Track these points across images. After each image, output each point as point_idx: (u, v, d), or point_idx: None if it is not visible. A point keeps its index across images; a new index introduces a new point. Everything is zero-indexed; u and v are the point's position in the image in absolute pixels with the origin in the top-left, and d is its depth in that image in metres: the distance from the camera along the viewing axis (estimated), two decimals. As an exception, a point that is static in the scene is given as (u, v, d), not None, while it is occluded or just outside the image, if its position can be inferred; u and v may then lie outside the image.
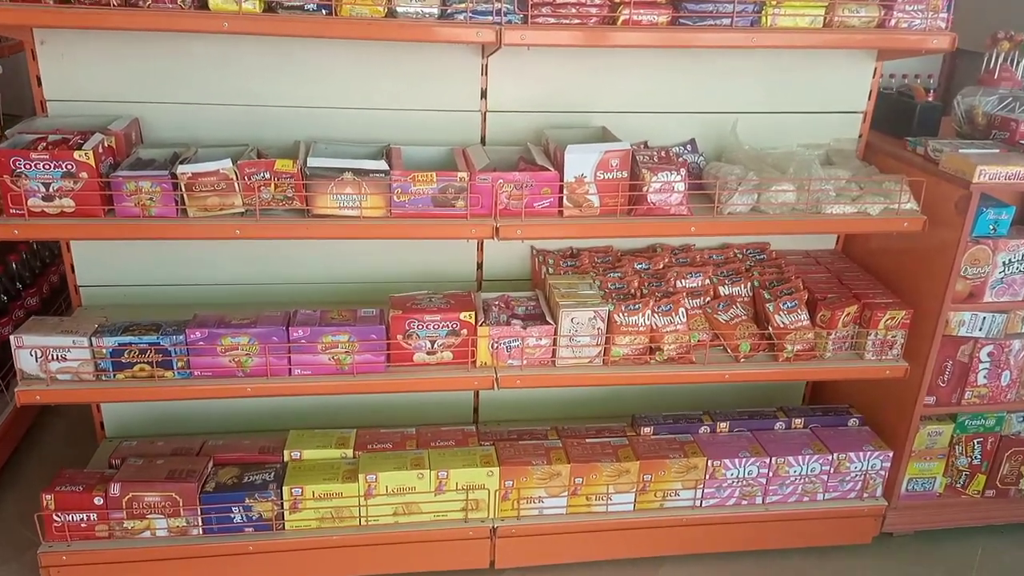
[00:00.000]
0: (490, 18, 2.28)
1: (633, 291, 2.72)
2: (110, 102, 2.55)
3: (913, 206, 2.59)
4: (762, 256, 3.02)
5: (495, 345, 2.53)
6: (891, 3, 2.41)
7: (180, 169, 2.26)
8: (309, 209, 2.34)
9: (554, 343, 2.56)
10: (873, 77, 2.86)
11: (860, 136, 2.94)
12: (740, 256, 3.00)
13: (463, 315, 2.50)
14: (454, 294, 2.62)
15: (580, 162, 2.43)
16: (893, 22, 2.43)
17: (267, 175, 2.30)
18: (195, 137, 2.63)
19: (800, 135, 2.90)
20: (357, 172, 2.34)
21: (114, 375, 2.39)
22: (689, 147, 2.85)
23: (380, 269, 2.87)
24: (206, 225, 2.29)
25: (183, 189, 2.27)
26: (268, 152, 2.53)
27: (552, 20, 2.31)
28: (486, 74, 2.69)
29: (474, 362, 2.54)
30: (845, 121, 2.92)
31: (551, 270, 2.83)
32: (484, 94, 2.72)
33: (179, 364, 2.40)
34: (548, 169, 2.44)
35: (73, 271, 2.74)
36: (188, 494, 2.47)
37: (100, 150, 2.26)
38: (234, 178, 2.29)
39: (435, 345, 2.51)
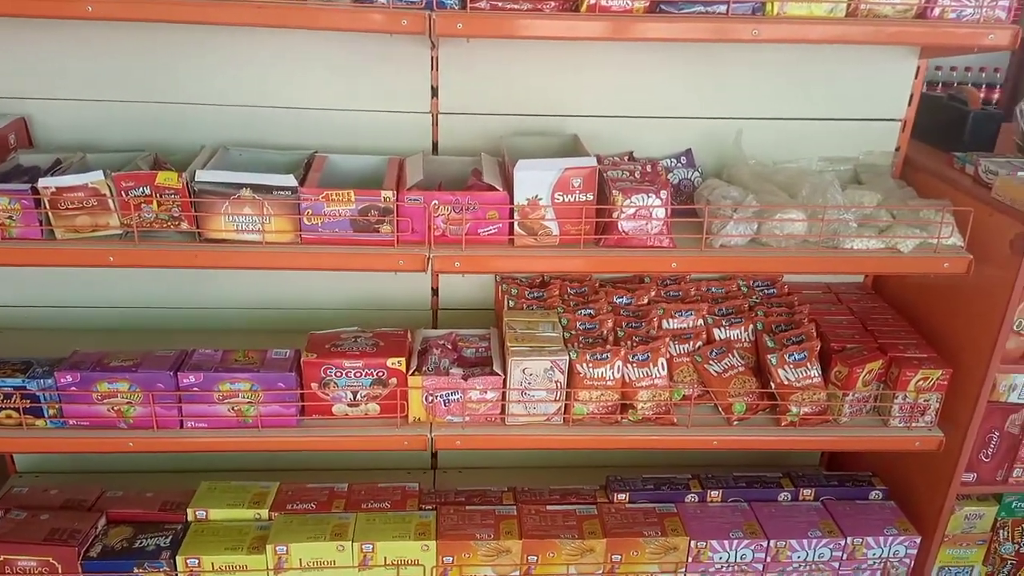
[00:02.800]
0: (419, 1, 1.83)
1: (606, 334, 2.26)
2: (-4, 97, 2.19)
3: (957, 241, 2.06)
4: (772, 290, 2.52)
5: (430, 398, 2.10)
6: (935, -14, 1.89)
7: (43, 183, 1.87)
8: (200, 232, 1.94)
9: (503, 397, 2.12)
10: (915, 78, 2.32)
11: (897, 149, 2.41)
12: (745, 289, 2.51)
13: (391, 362, 2.07)
14: (387, 333, 2.19)
15: (533, 181, 1.97)
16: (937, 11, 1.90)
17: (147, 191, 1.90)
18: (95, 139, 2.25)
19: (822, 146, 2.39)
20: (258, 188, 1.92)
21: (-22, 421, 2.03)
22: (684, 160, 2.36)
23: (315, 293, 2.46)
24: (72, 250, 1.90)
25: (47, 206, 1.89)
26: (172, 159, 2.14)
27: (499, 4, 1.85)
28: (436, 68, 2.25)
29: (404, 418, 2.12)
30: (879, 130, 2.39)
31: (513, 302, 2.38)
32: (435, 92, 2.28)
33: (50, 412, 2.03)
34: (496, 188, 1.99)
35: (-33, 289, 2.40)
36: (67, 560, 2.10)
37: (-48, 157, 1.89)
38: (108, 194, 1.90)
39: (358, 396, 2.10)
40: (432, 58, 2.23)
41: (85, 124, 2.23)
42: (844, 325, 2.35)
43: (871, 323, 2.36)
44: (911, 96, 2.34)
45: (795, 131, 2.38)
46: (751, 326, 2.34)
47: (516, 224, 2.01)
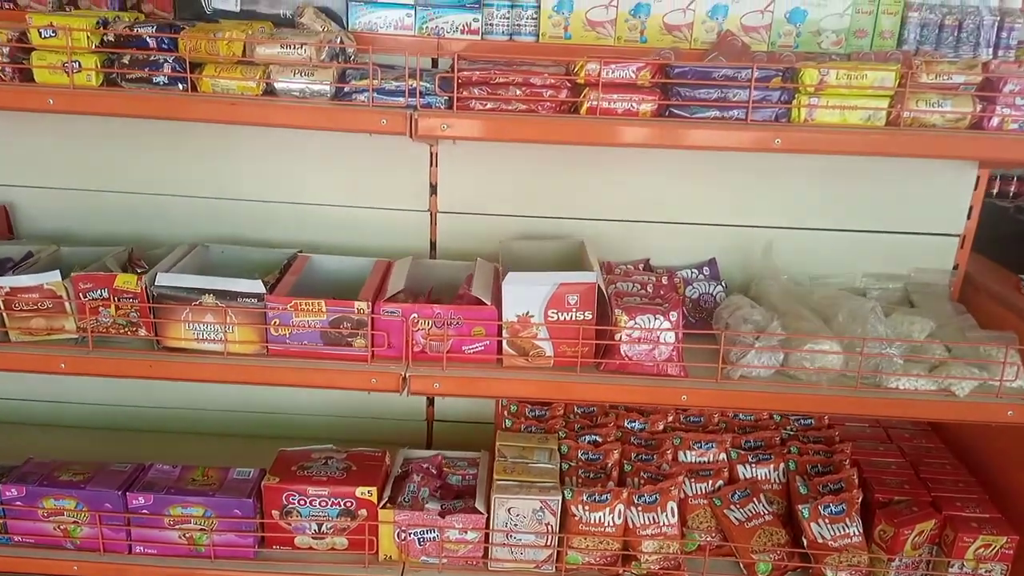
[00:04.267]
0: (402, 100, 1.67)
1: (611, 467, 1.99)
2: (-23, 184, 2.12)
3: (1023, 385, 1.75)
4: (809, 421, 2.21)
5: (404, 535, 1.86)
6: (992, 95, 1.62)
7: (-4, 281, 1.75)
8: (158, 340, 1.78)
9: (486, 539, 1.86)
10: (975, 189, 2.04)
11: (955, 267, 2.11)
12: (778, 419, 2.21)
13: (360, 491, 1.85)
14: (363, 455, 1.97)
15: (524, 295, 1.76)
16: (995, 121, 1.63)
17: (105, 293, 1.76)
18: (79, 228, 2.16)
19: (868, 262, 2.12)
20: (222, 295, 1.76)
21: (-80, 531, 1.89)
22: (707, 271, 2.12)
23: (294, 398, 2.28)
24: (23, 355, 1.76)
25: (2, 307, 1.76)
26: (153, 253, 2.01)
27: (489, 105, 1.67)
28: (435, 165, 2.08)
29: (374, 555, 1.88)
30: (934, 245, 2.11)
31: (511, 421, 2.14)
32: (434, 190, 2.11)
33: (-6, 525, 1.87)
34: (483, 302, 1.78)
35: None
36: None
37: (-87, 250, 1.79)
38: (64, 296, 1.76)
39: (323, 528, 1.87)
40: (432, 154, 2.08)
41: (69, 213, 2.14)
42: (893, 470, 2.02)
43: (925, 470, 2.03)
44: (970, 208, 2.06)
45: (836, 243, 2.11)
46: (782, 465, 2.03)
47: (505, 343, 1.79)
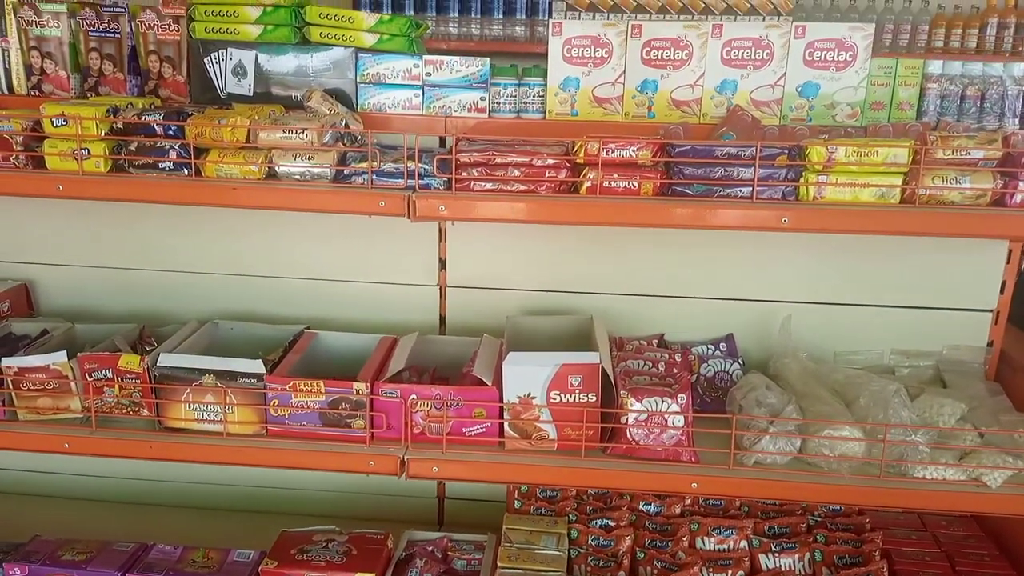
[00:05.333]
0: (401, 181, 1.67)
1: (622, 554, 1.90)
2: (1, 262, 2.17)
3: (1066, 476, 1.62)
4: (838, 507, 2.08)
5: (403, 623, 1.80)
6: (1015, 170, 1.54)
7: (6, 362, 1.78)
8: (160, 420, 1.78)
9: (489, 629, 1.79)
10: (1007, 263, 1.94)
11: (990, 344, 2.00)
12: (804, 503, 2.09)
13: (359, 577, 1.80)
14: (365, 537, 1.92)
15: (525, 377, 1.71)
16: (1019, 198, 1.55)
17: (109, 373, 1.77)
18: (95, 305, 2.19)
19: (896, 338, 2.02)
20: (222, 375, 1.75)
21: (-75, 608, 1.90)
22: (723, 347, 2.04)
23: (298, 473, 2.24)
24: (28, 435, 1.78)
25: (10, 386, 1.79)
26: (165, 330, 2.03)
27: (488, 186, 1.66)
28: (444, 240, 2.07)
29: (374, 643, 1.82)
30: (966, 320, 2.00)
31: (520, 502, 2.07)
32: (443, 264, 2.09)
33: (-3, 605, 1.87)
34: (484, 382, 1.74)
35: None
36: None
37: (-68, 329, 1.84)
38: (70, 376, 1.78)
39: (322, 613, 1.82)
40: (440, 229, 2.07)
41: (86, 290, 2.18)
42: (926, 562, 1.89)
43: (962, 562, 1.89)
44: (1003, 283, 1.95)
45: (860, 319, 2.02)
46: (807, 555, 1.91)
47: (507, 425, 1.74)
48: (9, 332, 2.01)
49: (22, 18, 2.00)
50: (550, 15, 4.73)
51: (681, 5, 5.00)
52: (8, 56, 2.03)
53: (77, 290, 2.19)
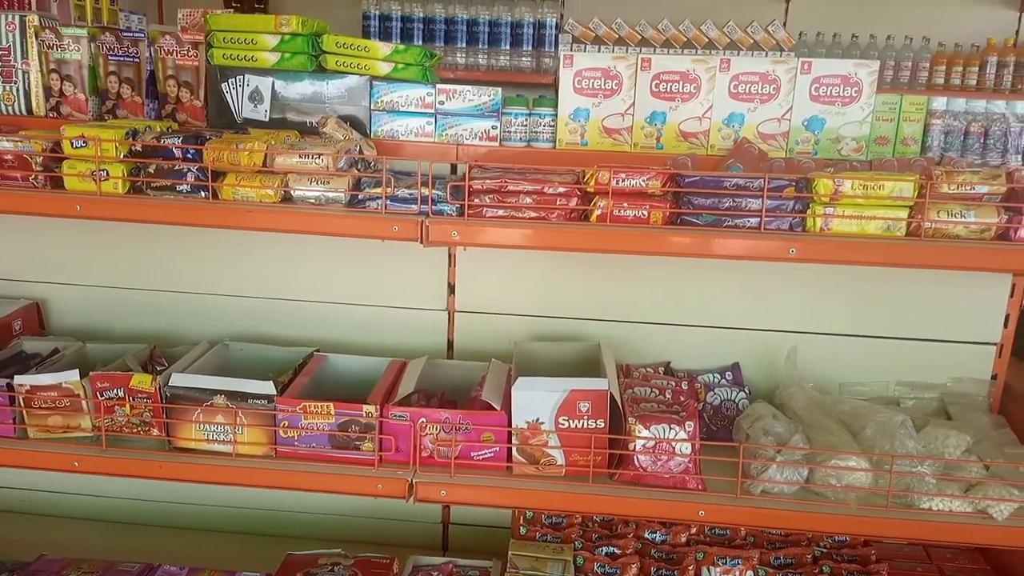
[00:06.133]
0: (414, 207, 1.69)
1: (627, 582, 1.90)
2: (13, 281, 2.19)
3: (1072, 509, 1.62)
4: (843, 538, 2.08)
5: (408, 648, 1.80)
6: (1020, 205, 1.57)
7: (18, 380, 1.79)
8: (170, 440, 1.79)
9: (493, 655, 1.78)
10: (1011, 296, 1.96)
11: (994, 377, 2.01)
12: (810, 534, 2.09)
13: (364, 602, 1.80)
14: (371, 561, 1.92)
15: (534, 402, 1.72)
16: (1023, 232, 1.57)
17: (121, 393, 1.78)
18: (107, 324, 2.21)
19: (901, 370, 2.03)
20: (232, 396, 1.76)
21: (-72, 627, 1.89)
22: (729, 376, 2.06)
23: (302, 496, 2.24)
24: (38, 453, 1.78)
25: (21, 404, 1.80)
26: (175, 351, 2.04)
27: (499, 212, 1.68)
28: (454, 265, 2.09)
29: (378, 669, 1.81)
30: (970, 353, 2.02)
31: (525, 528, 2.07)
32: (452, 289, 2.11)
33: (-1, 624, 1.86)
34: (493, 407, 1.75)
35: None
36: None
37: (-56, 346, 1.86)
38: (82, 395, 1.79)
39: (325, 638, 1.82)
40: (450, 255, 2.09)
41: (97, 310, 2.19)
42: (932, 594, 1.89)
43: (967, 594, 1.89)
44: (1007, 317, 1.97)
45: (865, 350, 2.03)
46: (812, 584, 1.91)
47: (515, 450, 1.75)
48: (20, 350, 2.03)
49: (43, 41, 2.04)
50: (556, 48, 4.83)
51: (685, 40, 5.07)
52: (28, 78, 2.07)
53: (88, 310, 2.20)
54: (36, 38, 2.04)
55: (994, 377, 2.01)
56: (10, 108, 2.08)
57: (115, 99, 2.07)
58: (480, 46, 4.94)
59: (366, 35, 4.88)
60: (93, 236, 2.16)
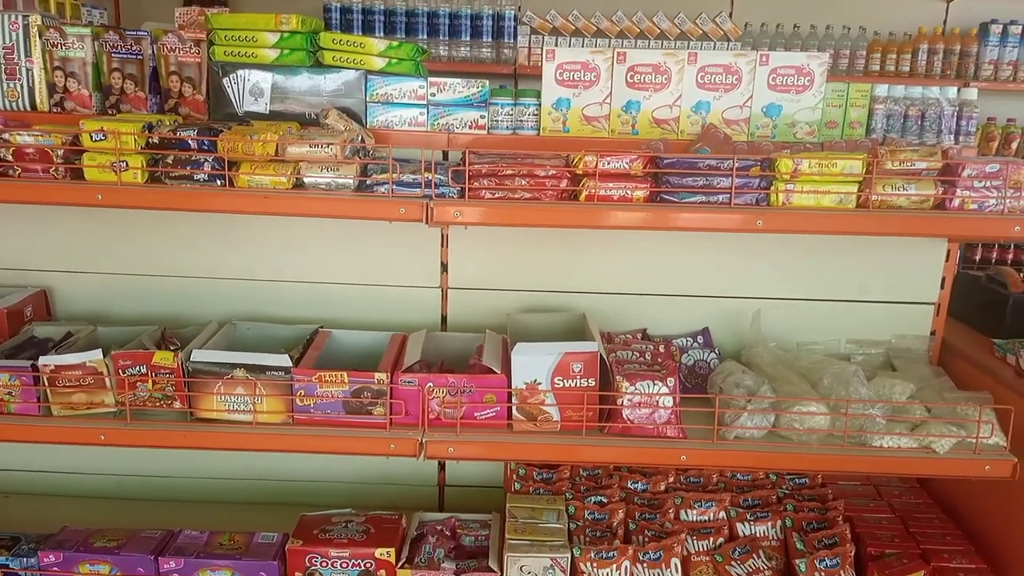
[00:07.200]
0: (418, 191, 1.85)
1: (616, 525, 2.10)
2: (19, 270, 2.28)
3: (999, 441, 1.88)
4: (803, 480, 2.32)
5: (421, 594, 1.96)
6: (953, 177, 1.81)
7: (43, 360, 1.90)
8: (192, 412, 1.91)
9: (499, 596, 1.96)
10: (946, 260, 2.21)
11: (932, 333, 2.27)
12: (774, 478, 2.32)
13: (379, 552, 1.96)
14: (381, 517, 2.08)
15: (531, 365, 1.90)
16: (956, 202, 1.81)
17: (143, 369, 1.90)
18: (113, 310, 2.30)
19: (851, 329, 2.27)
20: (251, 368, 1.90)
21: (-41, 598, 1.98)
22: (700, 340, 2.26)
23: (312, 466, 2.39)
24: (65, 428, 1.89)
25: (46, 383, 1.90)
26: (183, 332, 2.16)
27: (497, 194, 1.85)
28: (446, 245, 2.25)
29: (393, 614, 1.97)
30: (912, 313, 2.26)
31: (520, 484, 2.25)
32: (445, 268, 2.27)
33: (31, 591, 1.97)
34: (493, 371, 1.92)
35: (-24, 451, 2.42)
36: None
37: (-36, 332, 1.95)
38: (105, 372, 1.91)
39: (344, 588, 1.97)
40: (443, 236, 2.25)
41: (103, 296, 2.29)
42: (884, 525, 2.13)
43: (914, 524, 2.14)
44: (943, 279, 2.22)
45: (820, 312, 2.27)
46: (779, 522, 2.14)
47: (514, 408, 1.92)
48: (32, 335, 2.12)
49: (47, 40, 2.12)
50: (515, 39, 4.99)
51: (639, 31, 5.26)
52: (32, 75, 2.15)
53: (92, 297, 2.30)
54: (40, 37, 2.12)
55: (933, 333, 2.26)
56: (14, 104, 2.16)
57: (119, 94, 2.16)
58: (441, 37, 5.07)
59: (328, 28, 4.97)
60: (95, 225, 2.25)
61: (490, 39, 5.08)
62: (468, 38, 5.09)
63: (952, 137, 2.05)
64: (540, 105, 2.15)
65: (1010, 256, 4.64)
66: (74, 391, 1.91)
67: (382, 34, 5.06)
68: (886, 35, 4.98)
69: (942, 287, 2.23)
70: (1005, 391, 1.95)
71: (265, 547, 2.00)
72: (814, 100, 2.08)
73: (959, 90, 2.40)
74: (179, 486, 2.40)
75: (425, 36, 5.02)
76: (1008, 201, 1.79)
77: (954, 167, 1.82)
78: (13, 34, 2.12)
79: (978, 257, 4.19)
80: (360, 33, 4.97)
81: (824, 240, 2.20)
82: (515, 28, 4.97)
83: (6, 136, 1.86)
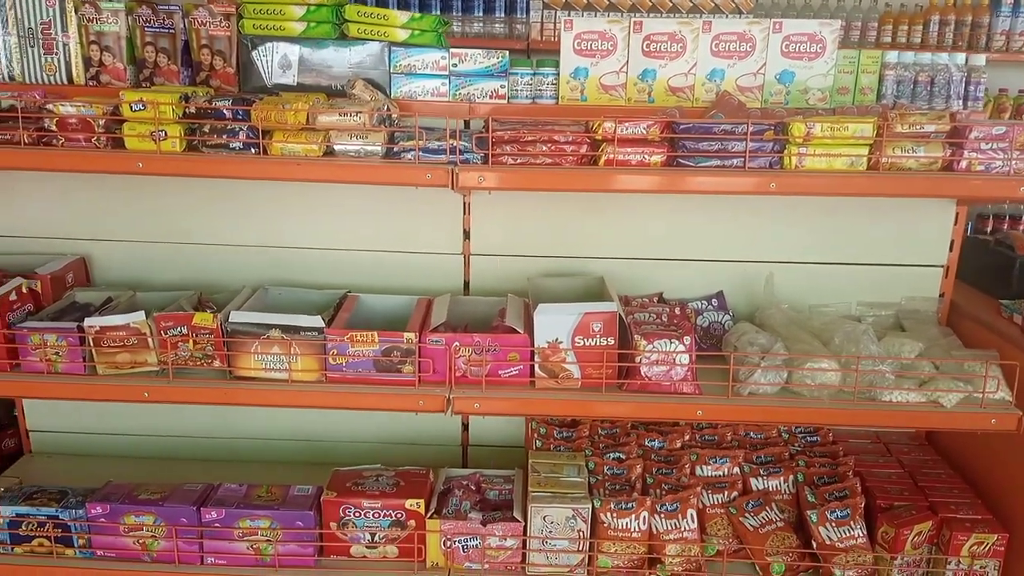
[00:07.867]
0: (444, 157, 1.93)
1: (634, 480, 2.19)
2: (59, 239, 2.37)
3: (1005, 396, 1.95)
4: (815, 437, 2.41)
5: (449, 543, 2.06)
6: (960, 140, 1.87)
7: (88, 322, 1.99)
8: (231, 370, 2.01)
9: (523, 545, 2.06)
10: (955, 224, 2.27)
11: (941, 295, 2.33)
12: (786, 436, 2.40)
13: (409, 503, 2.05)
14: (410, 472, 2.18)
15: (553, 325, 1.98)
16: (964, 164, 1.87)
17: (184, 330, 2.00)
18: (149, 277, 2.40)
19: (862, 291, 2.33)
20: (287, 329, 1.99)
21: (12, 548, 2.09)
22: (715, 302, 2.34)
23: (343, 427, 2.49)
24: (110, 386, 1.99)
25: (91, 344, 2.00)
26: (217, 297, 2.25)
27: (519, 160, 1.93)
28: (468, 212, 2.33)
29: (423, 562, 2.07)
30: (921, 275, 2.33)
31: (540, 442, 2.35)
32: (467, 235, 2.35)
33: (80, 542, 2.08)
34: (517, 330, 2.01)
35: (23, 414, 2.53)
36: None
37: (13, 297, 2.04)
38: (148, 333, 2.00)
39: (376, 537, 2.07)
40: (465, 203, 2.32)
41: (139, 264, 2.38)
42: (893, 480, 2.21)
43: (922, 478, 2.22)
44: (952, 242, 2.28)
45: (831, 275, 2.33)
46: (791, 477, 2.22)
47: (537, 366, 2.01)
48: (74, 300, 2.21)
49: (83, 15, 2.20)
50: (527, 15, 5.03)
51: (651, 4, 5.30)
52: (68, 49, 2.23)
53: (129, 264, 2.39)
54: (76, 12, 2.20)
55: (942, 295, 2.33)
56: (52, 78, 2.24)
57: (152, 68, 2.25)
58: (454, 13, 5.11)
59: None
60: (131, 193, 2.33)
61: (503, 14, 5.12)
62: (481, 13, 5.12)
63: (961, 103, 2.10)
64: (559, 74, 2.21)
65: (1022, 227, 4.68)
66: (118, 351, 2.00)
67: (396, 8, 5.11)
68: (897, 6, 4.99)
69: (951, 250, 2.30)
70: (1011, 349, 2.02)
71: (301, 498, 2.10)
72: (826, 67, 2.13)
73: (967, 57, 2.45)
74: (216, 446, 2.50)
75: (438, 12, 5.07)
76: (1014, 163, 1.85)
77: (962, 130, 1.88)
78: (50, 9, 2.20)
79: (990, 228, 4.23)
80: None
81: (835, 204, 2.27)
82: (528, 3, 5.00)
83: (50, 107, 1.94)
